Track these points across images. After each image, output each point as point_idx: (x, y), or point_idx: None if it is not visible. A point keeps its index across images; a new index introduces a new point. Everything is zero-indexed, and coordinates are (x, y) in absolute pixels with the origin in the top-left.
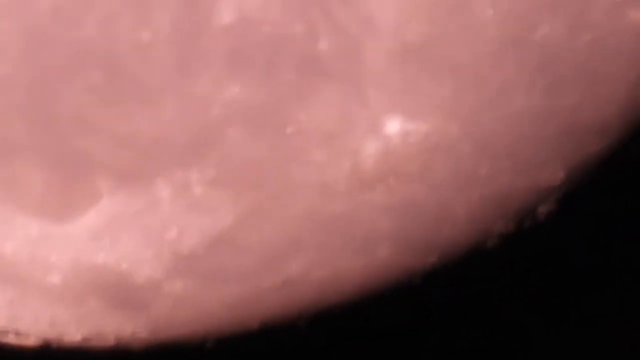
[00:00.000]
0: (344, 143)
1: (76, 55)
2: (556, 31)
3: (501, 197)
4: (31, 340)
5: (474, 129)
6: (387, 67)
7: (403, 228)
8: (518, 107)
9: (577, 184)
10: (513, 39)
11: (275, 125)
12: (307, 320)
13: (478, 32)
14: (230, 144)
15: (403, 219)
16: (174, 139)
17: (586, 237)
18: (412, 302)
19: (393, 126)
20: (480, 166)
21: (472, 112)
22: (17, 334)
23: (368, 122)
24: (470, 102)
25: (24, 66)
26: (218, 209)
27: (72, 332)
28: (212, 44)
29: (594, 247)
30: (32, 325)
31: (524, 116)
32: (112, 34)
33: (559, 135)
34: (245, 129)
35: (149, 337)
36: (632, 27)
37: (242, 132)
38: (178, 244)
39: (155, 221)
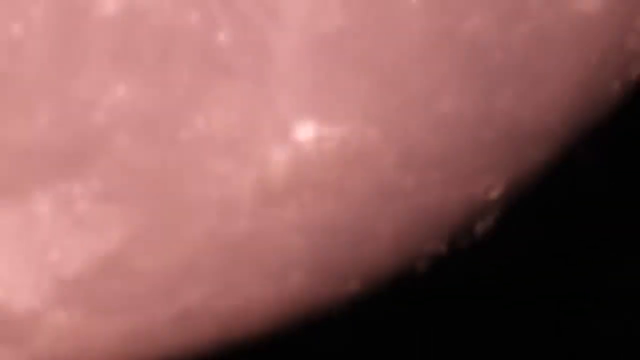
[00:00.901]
0: (249, 151)
1: None
2: (488, 23)
3: (431, 213)
4: None
5: (398, 134)
6: (297, 64)
7: (319, 250)
8: (447, 109)
9: (517, 198)
10: (439, 32)
11: (168, 132)
12: (211, 356)
13: (400, 25)
14: (117, 153)
15: (319, 239)
16: (52, 148)
17: (529, 256)
18: (330, 335)
19: (305, 131)
20: (406, 177)
21: (394, 116)
22: None
23: (276, 127)
24: (393, 103)
25: None
26: (105, 228)
27: None
28: (93, 39)
29: (538, 267)
30: None
31: (454, 120)
32: None
33: (495, 141)
34: (133, 135)
35: None
36: (577, 18)
37: (130, 139)
38: (60, 268)
39: (34, 241)
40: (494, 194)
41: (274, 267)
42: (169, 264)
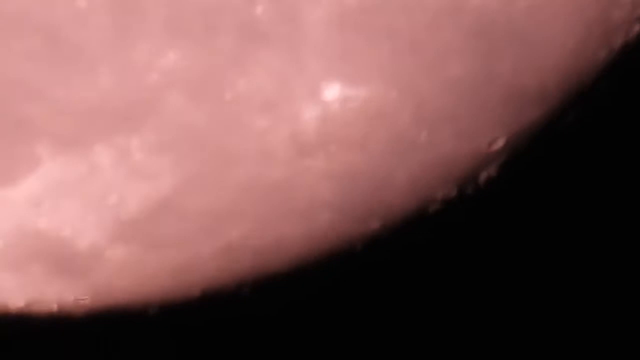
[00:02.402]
0: (283, 109)
1: (14, 22)
2: None
3: (442, 163)
4: None
5: (413, 94)
6: (325, 33)
7: (344, 194)
8: (456, 72)
9: (517, 151)
10: (449, 7)
11: (213, 92)
12: (248, 287)
13: (415, 8)
14: (169, 110)
15: (344, 185)
16: (113, 105)
17: (527, 203)
18: (353, 268)
19: (332, 92)
20: (420, 132)
21: (410, 78)
22: None
23: (307, 88)
24: (408, 67)
25: None
26: (158, 175)
27: (15, 299)
28: (149, 11)
29: (535, 213)
30: None
31: (462, 82)
32: (49, 1)
33: (498, 101)
34: (184, 95)
35: (91, 303)
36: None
37: (181, 98)
38: (119, 210)
39: (96, 187)
40: (497, 146)
41: (304, 210)
42: (213, 207)
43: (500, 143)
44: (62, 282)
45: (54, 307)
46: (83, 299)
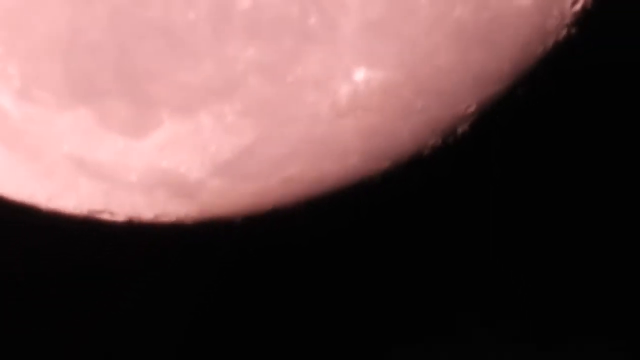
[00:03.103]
0: (327, 87)
1: (146, 27)
2: (467, 11)
3: (432, 122)
4: (120, 217)
5: (413, 76)
6: (355, 35)
7: (366, 144)
8: (443, 61)
9: (484, 114)
10: (439, 17)
11: (280, 75)
12: (302, 206)
13: (416, 13)
14: (250, 88)
15: (366, 137)
16: (212, 85)
17: (492, 152)
18: (373, 196)
19: (359, 75)
20: (417, 101)
21: (411, 65)
22: (111, 213)
23: (342, 72)
24: (410, 58)
25: (110, 34)
26: (242, 132)
27: (147, 213)
28: (236, 21)
29: (498, 160)
30: (120, 208)
31: (447, 68)
32: (169, 13)
33: (471, 80)
34: (259, 78)
35: (197, 216)
36: (517, 9)
37: (258, 80)
38: (216, 155)
39: (201, 140)
40: (470, 110)
41: (340, 153)
42: (279, 152)
43: (472, 108)
44: (178, 202)
45: (173, 219)
46: (192, 213)
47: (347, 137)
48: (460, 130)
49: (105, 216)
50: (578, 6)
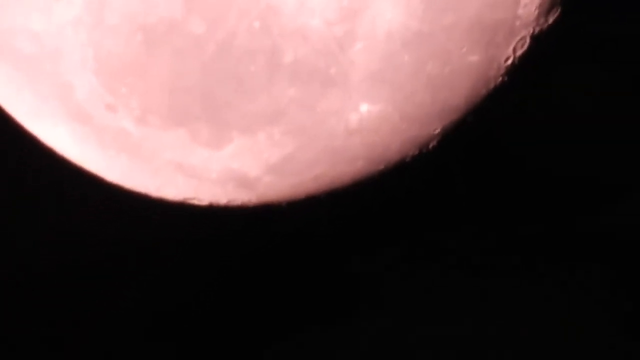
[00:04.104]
0: (342, 115)
1: (223, 74)
2: (436, 66)
3: (412, 139)
4: (204, 202)
5: (400, 109)
6: (361, 82)
7: (368, 153)
8: (419, 99)
9: (446, 134)
10: (417, 70)
11: (311, 108)
12: (325, 196)
13: (401, 68)
14: (291, 115)
15: (368, 149)
16: (266, 113)
17: (453, 159)
18: (373, 189)
19: (364, 107)
20: (403, 125)
21: (399, 102)
22: (199, 200)
23: (353, 106)
24: (398, 97)
25: (200, 78)
26: (286, 145)
27: (221, 199)
28: (282, 70)
29: (458, 164)
30: (204, 196)
31: (422, 103)
32: (239, 65)
33: (438, 111)
34: (298, 109)
35: (256, 202)
36: (469, 64)
37: (297, 110)
38: (268, 160)
39: (258, 150)
40: (437, 131)
41: (351, 158)
42: (309, 158)
43: (438, 130)
44: (243, 192)
45: (239, 203)
46: (251, 200)
47: (355, 149)
48: (431, 145)
49: (195, 202)
50: (509, 62)
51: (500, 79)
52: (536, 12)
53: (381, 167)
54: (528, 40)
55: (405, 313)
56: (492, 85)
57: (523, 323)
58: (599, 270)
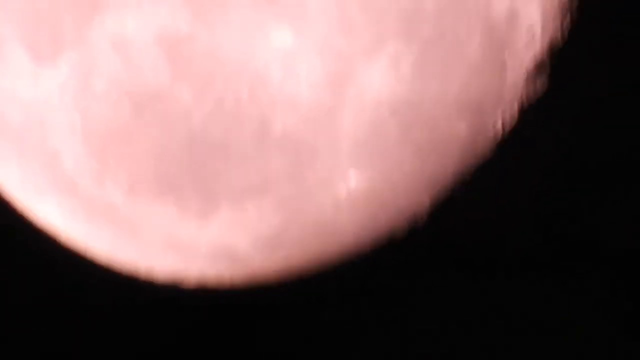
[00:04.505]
0: (332, 183)
1: (209, 145)
2: (423, 135)
3: (399, 212)
4: (192, 278)
5: (387, 180)
6: (349, 152)
7: (358, 228)
8: (407, 169)
9: (435, 206)
10: (404, 139)
11: (300, 179)
12: (316, 269)
13: (388, 137)
14: (280, 186)
15: (362, 212)
16: (254, 184)
17: (442, 232)
18: (363, 262)
19: (352, 174)
20: (389, 196)
21: (386, 172)
22: (186, 277)
23: (341, 174)
24: (386, 168)
25: (186, 149)
26: (273, 216)
27: (210, 273)
28: (270, 142)
29: (445, 236)
30: (192, 269)
31: (410, 173)
32: (227, 137)
33: (426, 182)
34: (286, 180)
35: (243, 277)
36: (458, 134)
37: (285, 181)
38: (257, 232)
39: (247, 222)
40: (422, 206)
41: (339, 234)
42: (298, 234)
43: (425, 202)
44: (228, 269)
45: (226, 281)
46: (238, 278)
47: (344, 223)
48: (419, 219)
49: (183, 281)
50: (491, 134)
51: (487, 149)
52: (524, 78)
53: (370, 242)
54: (516, 106)
55: (405, 313)
56: (480, 154)
57: (523, 323)
58: (598, 271)
